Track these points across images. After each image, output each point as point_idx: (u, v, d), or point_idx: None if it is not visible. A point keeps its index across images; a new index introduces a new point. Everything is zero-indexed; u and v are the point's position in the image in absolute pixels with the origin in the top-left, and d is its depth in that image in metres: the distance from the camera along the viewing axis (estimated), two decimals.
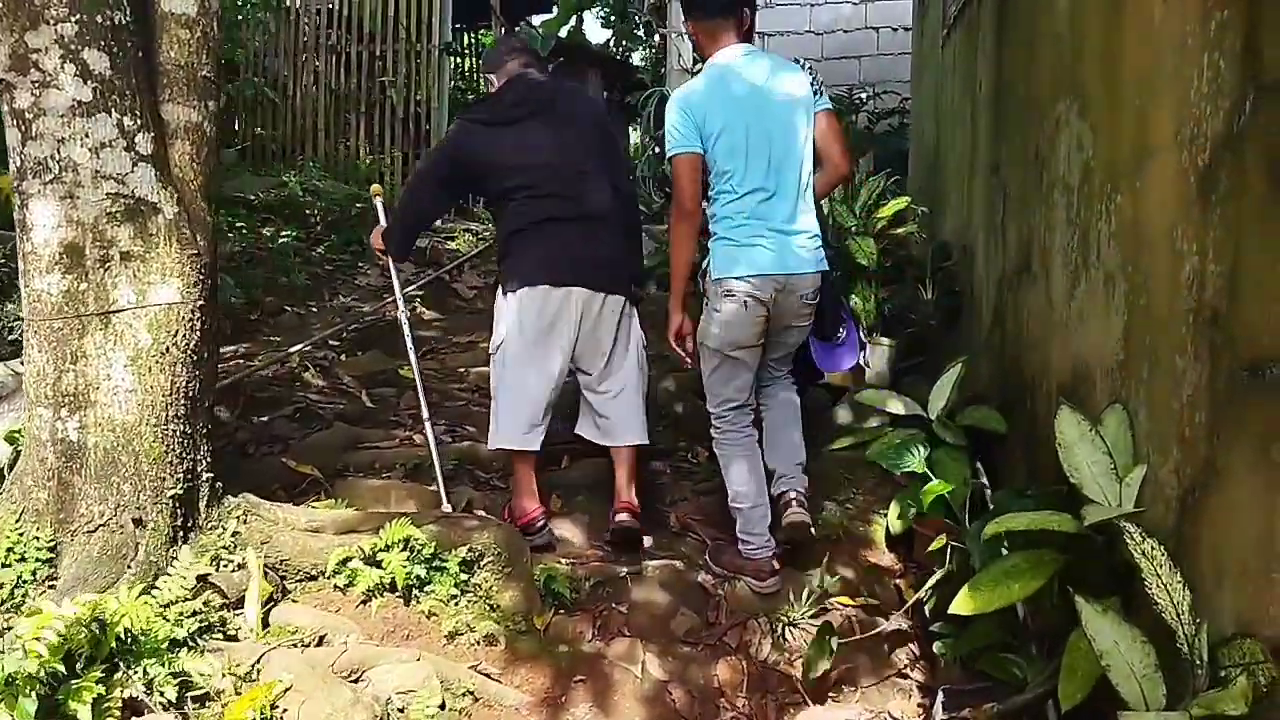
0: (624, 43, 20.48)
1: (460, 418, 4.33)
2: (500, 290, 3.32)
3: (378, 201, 3.90)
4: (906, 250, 5.06)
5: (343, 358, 4.81)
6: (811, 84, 3.09)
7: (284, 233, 6.79)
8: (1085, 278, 2.69)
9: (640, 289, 3.55)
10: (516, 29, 11.82)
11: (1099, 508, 2.16)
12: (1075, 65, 2.91)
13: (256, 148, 9.07)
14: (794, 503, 3.19)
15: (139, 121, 2.39)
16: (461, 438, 4.03)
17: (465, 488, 3.56)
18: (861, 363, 4.63)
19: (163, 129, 2.49)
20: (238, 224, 6.60)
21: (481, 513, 3.33)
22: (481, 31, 12.01)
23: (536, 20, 14.38)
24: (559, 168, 3.20)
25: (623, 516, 3.29)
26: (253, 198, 7.25)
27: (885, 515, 3.67)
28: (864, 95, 8.03)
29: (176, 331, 2.44)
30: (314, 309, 5.64)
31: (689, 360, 3.20)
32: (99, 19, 2.30)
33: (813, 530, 3.27)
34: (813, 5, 8.77)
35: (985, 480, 3.52)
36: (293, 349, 4.53)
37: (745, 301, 2.94)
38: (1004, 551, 2.51)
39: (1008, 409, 3.53)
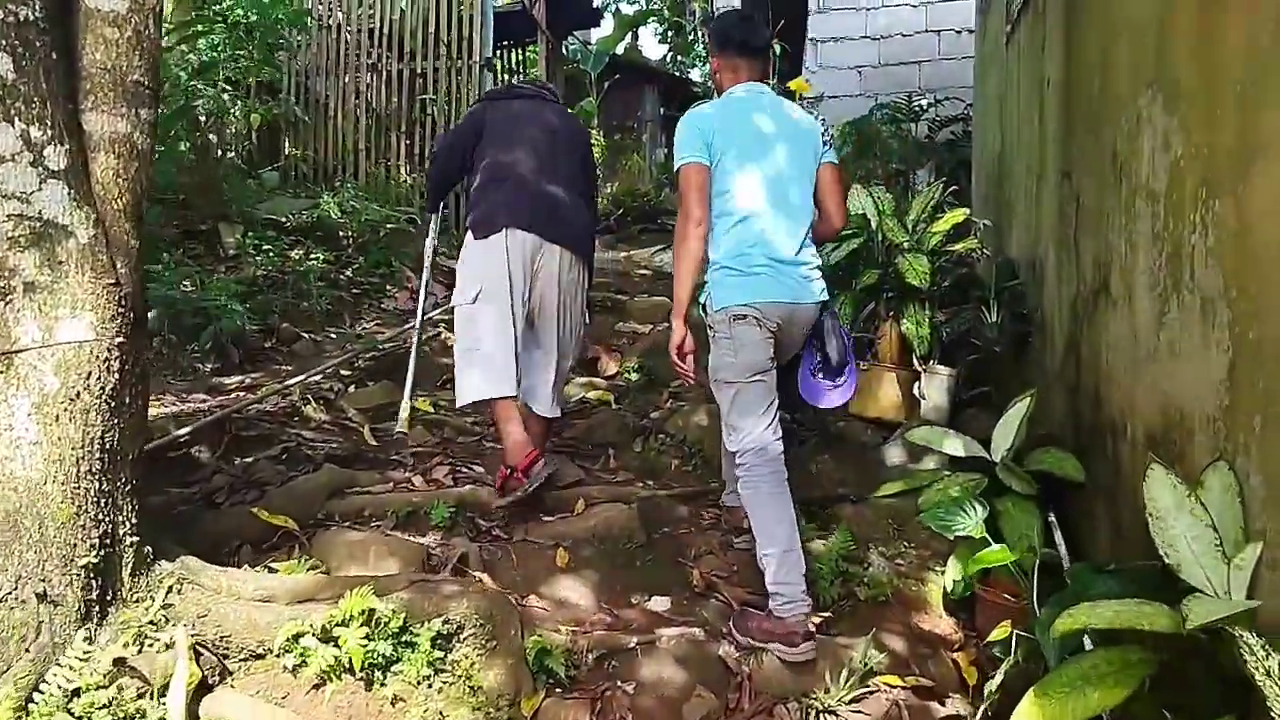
0: (680, 58, 20.24)
1: (469, 455, 3.97)
2: (465, 244, 3.45)
3: None
4: (968, 268, 4.58)
5: (351, 389, 4.49)
6: (823, 134, 3.11)
7: (313, 255, 6.55)
8: (1176, 303, 2.24)
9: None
10: (563, 44, 11.58)
11: (1203, 602, 1.68)
12: (1161, 50, 2.45)
13: (299, 169, 8.89)
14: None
15: (50, 132, 2.06)
16: (465, 479, 3.65)
17: (462, 539, 3.18)
18: (916, 393, 4.16)
19: (83, 141, 2.16)
20: (265, 247, 6.37)
21: (481, 576, 2.94)
22: (528, 48, 11.77)
23: (584, 35, 14.18)
24: (536, 137, 3.49)
25: (536, 466, 3.26)
26: (284, 220, 7.02)
27: (942, 572, 3.21)
28: (924, 102, 7.52)
29: (89, 374, 2.10)
30: (333, 335, 5.35)
31: (691, 377, 3.04)
32: (0, 15, 1.99)
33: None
34: (869, 9, 8.31)
35: (1059, 537, 3.04)
36: (292, 381, 4.22)
37: (754, 324, 2.85)
38: (1084, 644, 2.04)
39: (1085, 452, 3.06)
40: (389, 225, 6.99)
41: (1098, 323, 2.96)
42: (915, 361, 4.15)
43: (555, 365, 3.55)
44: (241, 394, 4.27)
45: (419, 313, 4.23)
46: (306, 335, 5.32)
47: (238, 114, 7.48)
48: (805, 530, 3.38)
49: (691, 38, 18.81)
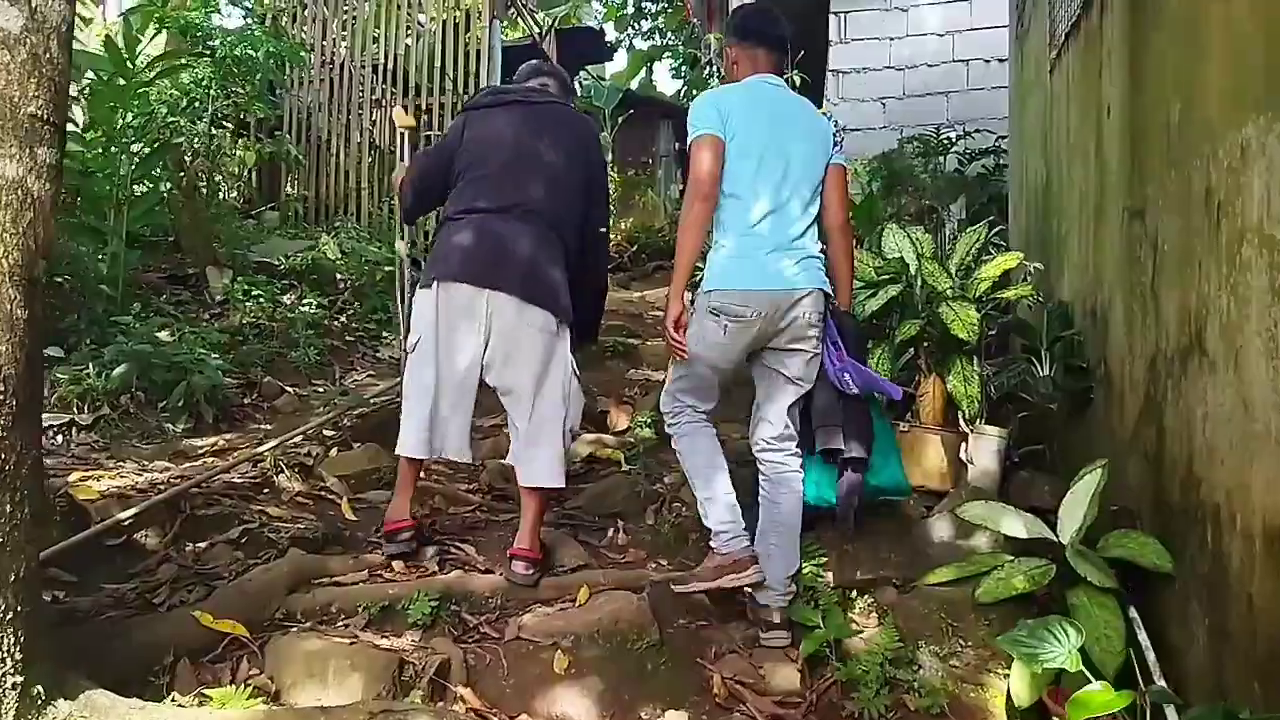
0: (695, 93, 19.97)
1: (460, 530, 3.53)
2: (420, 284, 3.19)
3: (404, 134, 3.74)
4: (1009, 313, 4.14)
5: (333, 452, 4.07)
6: (834, 134, 3.07)
7: (306, 301, 6.17)
8: None
9: (584, 339, 3.33)
10: (575, 78, 11.29)
11: None
12: (1274, 69, 2.02)
13: (298, 209, 8.55)
14: (777, 623, 2.90)
15: None
16: (454, 562, 3.22)
17: (444, 639, 2.74)
18: (963, 457, 3.70)
19: None
20: (255, 292, 5.99)
21: (463, 691, 2.49)
22: None
23: (597, 70, 13.89)
24: (512, 158, 3.09)
25: (517, 566, 3.03)
26: (278, 262, 6.66)
27: (1005, 676, 2.74)
28: (953, 135, 7.11)
29: None
30: (320, 389, 4.95)
31: (684, 353, 2.91)
32: None
33: (796, 661, 2.82)
34: (893, 39, 7.95)
35: (1144, 639, 2.57)
36: (264, 447, 3.80)
37: (726, 326, 2.84)
38: None
39: (1172, 537, 2.60)
40: (386, 268, 6.60)
41: (1189, 387, 2.51)
42: (961, 421, 3.70)
43: (544, 430, 3.11)
44: (210, 460, 3.85)
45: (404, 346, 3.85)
46: (291, 389, 4.91)
47: (231, 152, 7.16)
48: (843, 622, 2.94)
49: (707, 72, 18.54)
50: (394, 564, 3.09)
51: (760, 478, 3.05)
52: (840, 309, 3.07)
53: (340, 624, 2.74)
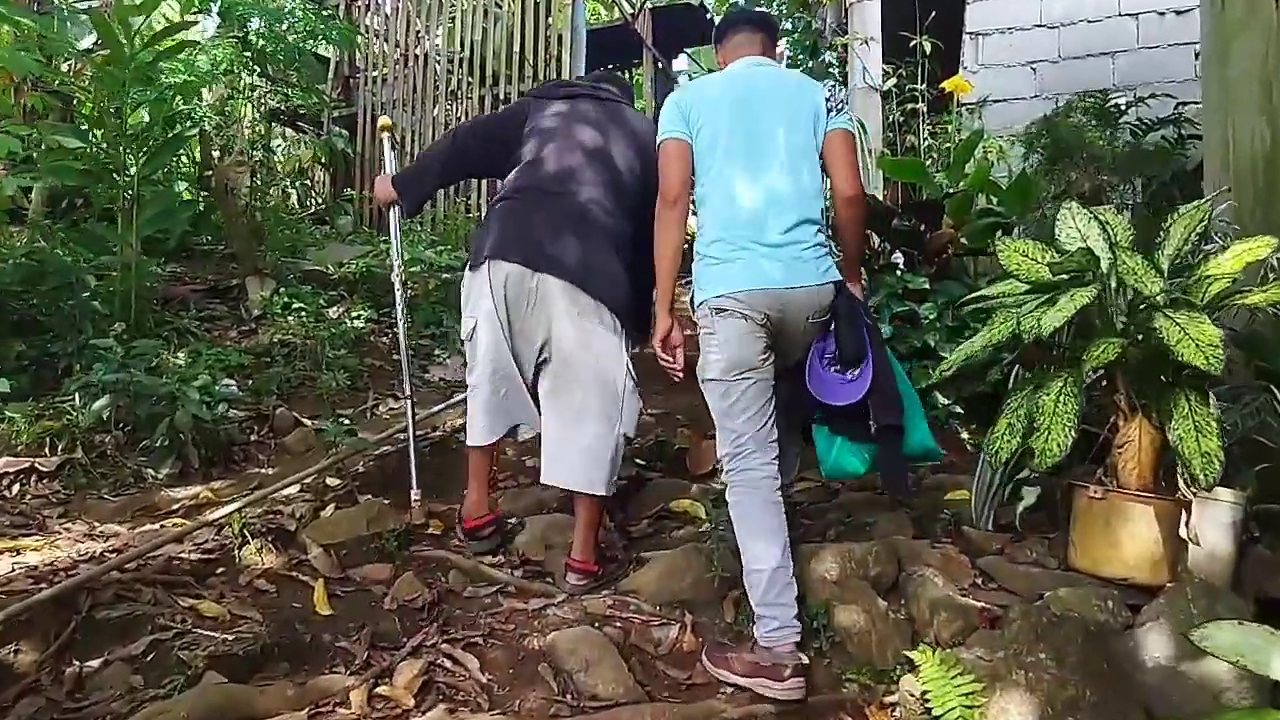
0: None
1: (467, 628, 2.59)
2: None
3: (385, 138, 3.62)
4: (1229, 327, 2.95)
5: (326, 511, 3.19)
6: (827, 99, 2.75)
7: (355, 314, 5.39)
8: None
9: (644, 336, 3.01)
10: (672, 64, 10.34)
11: None
12: None
13: (368, 211, 7.87)
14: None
15: None
16: (443, 691, 2.27)
17: None
18: (1184, 534, 2.56)
19: None
20: (296, 305, 5.25)
21: None
22: (635, 69, 10.58)
23: (696, 55, 12.85)
24: (576, 146, 2.95)
25: (570, 577, 2.86)
26: (329, 270, 5.92)
27: None
28: (1122, 102, 5.81)
29: None
30: (345, 420, 4.13)
31: (679, 373, 2.75)
32: None
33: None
34: None
35: None
36: (227, 509, 2.95)
37: (734, 323, 2.57)
38: None
39: None
40: (444, 275, 5.77)
41: None
42: (1181, 483, 2.56)
43: (591, 431, 2.86)
44: (172, 524, 3.04)
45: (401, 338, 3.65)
46: (310, 422, 4.09)
47: (286, 151, 6.48)
48: None
49: (825, 59, 17.27)
50: (352, 694, 2.17)
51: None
52: (841, 297, 2.68)
53: None
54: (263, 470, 3.71)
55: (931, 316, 4.31)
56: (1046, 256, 2.75)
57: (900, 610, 2.67)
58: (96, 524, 3.09)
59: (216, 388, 3.97)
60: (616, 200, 2.94)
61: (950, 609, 2.55)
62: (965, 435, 3.67)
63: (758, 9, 3.00)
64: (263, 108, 6.55)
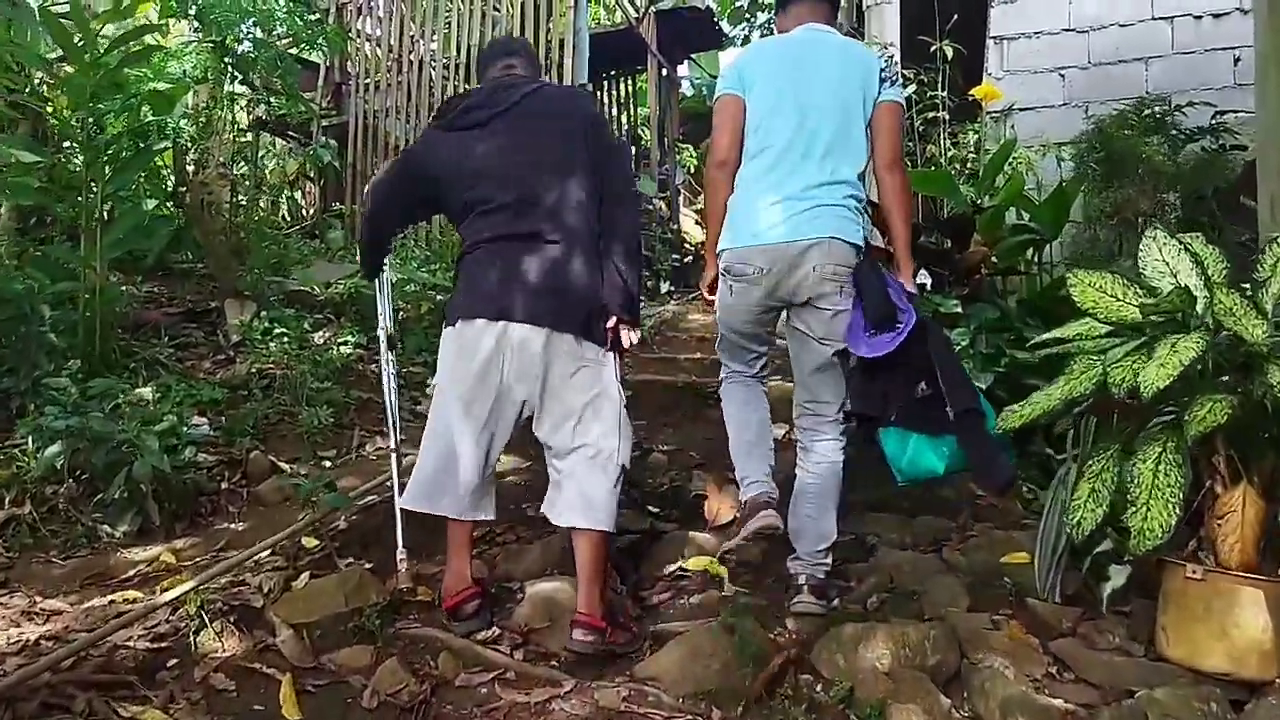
0: None
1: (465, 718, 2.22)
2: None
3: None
4: None
5: (300, 580, 2.81)
6: (882, 70, 2.78)
7: (342, 338, 5.02)
8: None
9: (632, 320, 2.77)
10: (677, 70, 9.98)
11: None
12: None
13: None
14: (806, 588, 2.74)
15: None
16: None
17: None
18: None
19: None
20: (278, 330, 4.87)
21: None
22: (638, 78, 10.22)
23: (703, 61, 12.48)
24: (515, 176, 2.73)
25: (576, 634, 2.55)
26: (315, 290, 5.55)
27: None
28: (1157, 110, 5.45)
29: None
30: (327, 462, 3.74)
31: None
32: None
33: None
34: None
35: None
36: (184, 586, 2.56)
37: (731, 286, 2.79)
38: None
39: None
40: (438, 297, 5.40)
41: None
42: None
43: (581, 465, 2.70)
44: (126, 599, 2.67)
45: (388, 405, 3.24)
46: (288, 466, 3.71)
47: (274, 162, 6.11)
48: None
49: None
50: None
51: (797, 445, 2.92)
52: (865, 263, 2.71)
53: None
54: (232, 525, 3.33)
55: (965, 343, 3.94)
56: (1128, 294, 2.37)
57: (964, 707, 2.30)
58: (38, 598, 2.71)
59: (184, 429, 3.60)
60: (564, 197, 2.73)
61: (1027, 711, 2.17)
62: (1024, 490, 3.29)
63: None
64: (250, 117, 6.17)
